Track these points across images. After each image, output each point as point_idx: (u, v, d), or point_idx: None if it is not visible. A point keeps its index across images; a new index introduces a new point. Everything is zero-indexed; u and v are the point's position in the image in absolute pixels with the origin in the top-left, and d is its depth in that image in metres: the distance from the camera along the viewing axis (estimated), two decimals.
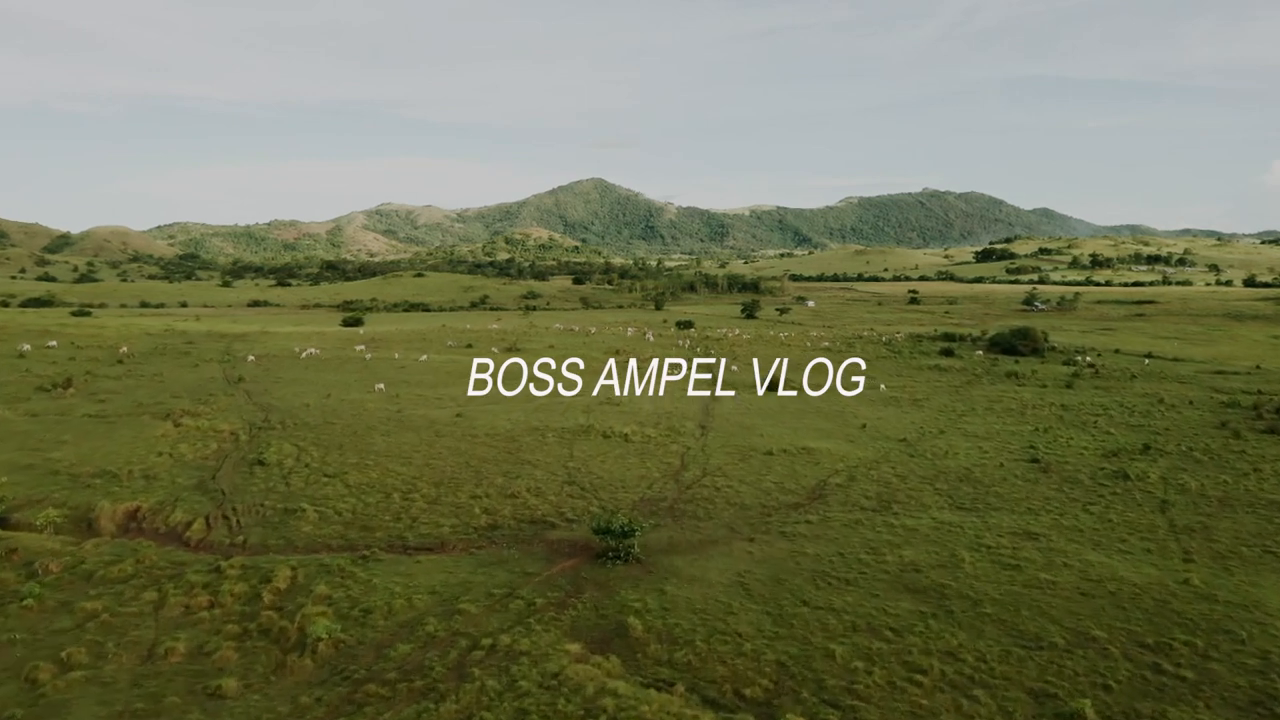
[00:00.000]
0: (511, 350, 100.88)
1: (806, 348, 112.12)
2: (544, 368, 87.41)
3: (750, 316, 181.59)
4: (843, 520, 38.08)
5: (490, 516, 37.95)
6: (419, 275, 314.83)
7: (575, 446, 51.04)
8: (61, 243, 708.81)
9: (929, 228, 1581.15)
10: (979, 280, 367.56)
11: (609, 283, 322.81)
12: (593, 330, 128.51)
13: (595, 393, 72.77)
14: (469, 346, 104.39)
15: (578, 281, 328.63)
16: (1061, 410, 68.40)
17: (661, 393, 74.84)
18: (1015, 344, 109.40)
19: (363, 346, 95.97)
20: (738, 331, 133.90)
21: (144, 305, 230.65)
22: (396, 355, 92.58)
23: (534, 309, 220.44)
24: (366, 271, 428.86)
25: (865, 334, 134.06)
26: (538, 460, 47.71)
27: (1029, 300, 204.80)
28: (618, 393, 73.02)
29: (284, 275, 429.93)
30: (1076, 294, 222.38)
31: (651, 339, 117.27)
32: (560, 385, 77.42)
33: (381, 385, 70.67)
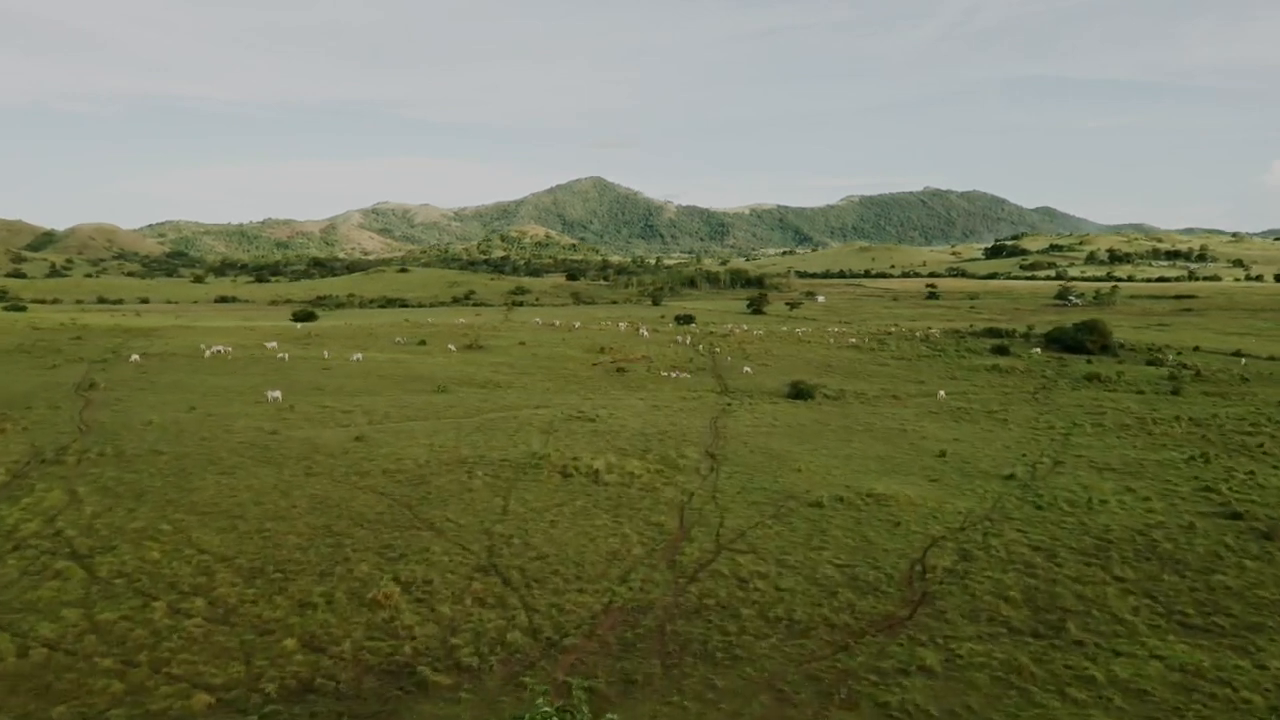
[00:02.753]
0: (472, 348, 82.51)
1: (830, 345, 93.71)
2: (502, 367, 69.20)
3: (757, 312, 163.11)
4: (987, 663, 19.85)
5: (309, 660, 19.71)
6: (403, 270, 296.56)
7: (515, 494, 32.69)
8: (45, 240, 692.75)
9: (931, 226, 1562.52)
10: (993, 276, 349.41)
11: (605, 279, 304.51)
12: (577, 325, 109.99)
13: (563, 402, 54.53)
14: (421, 344, 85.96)
15: (572, 278, 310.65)
16: (1196, 427, 50.10)
17: (654, 403, 56.51)
18: (1081, 340, 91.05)
19: (274, 344, 77.38)
20: (745, 328, 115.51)
21: (101, 301, 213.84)
22: (326, 354, 74.25)
23: (521, 304, 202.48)
24: (356, 269, 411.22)
25: (892, 329, 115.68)
26: (447, 521, 29.39)
27: (1062, 295, 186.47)
28: (591, 404, 54.69)
29: (269, 273, 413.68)
30: (1114, 288, 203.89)
31: (646, 335, 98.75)
32: (515, 393, 59.18)
33: (277, 394, 52.37)
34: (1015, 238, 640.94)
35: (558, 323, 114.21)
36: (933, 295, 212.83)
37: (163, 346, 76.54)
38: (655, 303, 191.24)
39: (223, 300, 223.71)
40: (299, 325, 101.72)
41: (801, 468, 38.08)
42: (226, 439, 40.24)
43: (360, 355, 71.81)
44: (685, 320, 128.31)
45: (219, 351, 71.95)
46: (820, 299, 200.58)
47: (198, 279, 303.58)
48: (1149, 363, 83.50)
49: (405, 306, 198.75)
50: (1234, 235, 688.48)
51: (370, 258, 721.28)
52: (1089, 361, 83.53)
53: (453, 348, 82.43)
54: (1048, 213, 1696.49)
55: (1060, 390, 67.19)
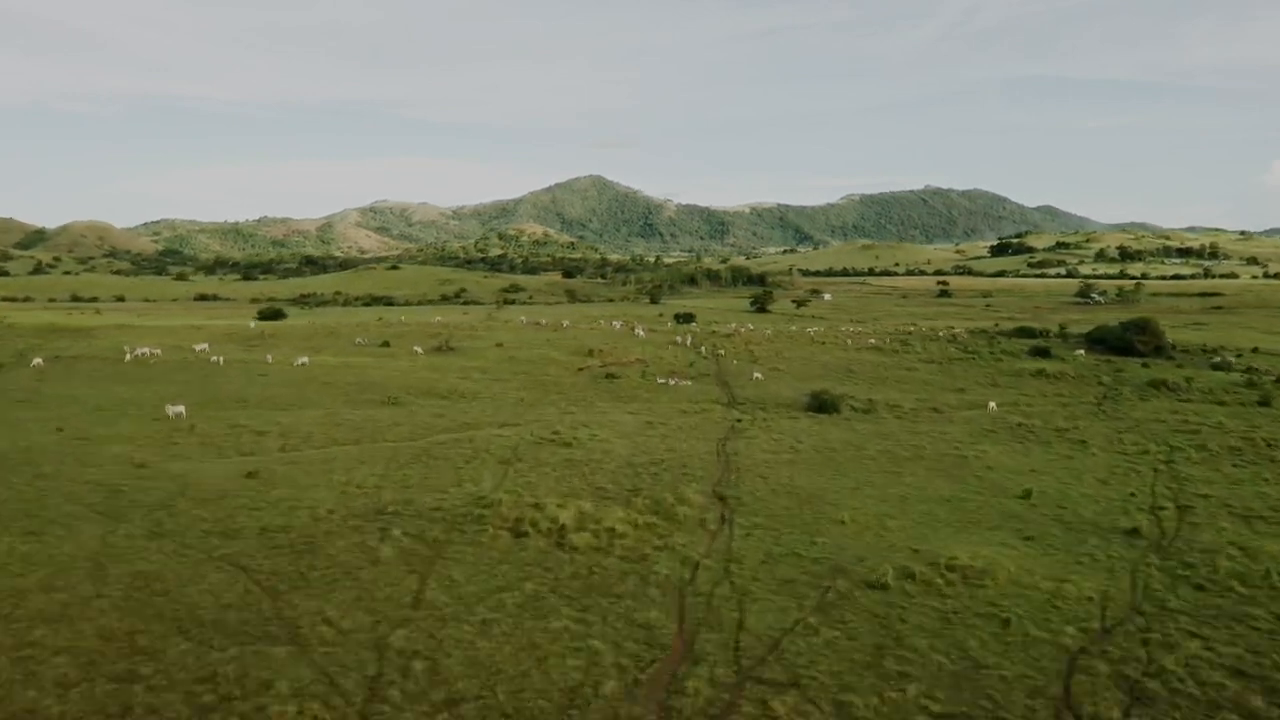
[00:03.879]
0: (441, 350, 72.28)
1: (847, 346, 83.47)
2: (472, 373, 59.11)
3: (762, 310, 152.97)
4: None
5: None
6: (393, 268, 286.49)
7: (438, 570, 22.45)
8: (36, 238, 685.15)
9: (932, 225, 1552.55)
10: (1001, 274, 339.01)
11: (602, 277, 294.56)
12: (566, 324, 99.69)
13: (536, 419, 44.36)
14: (384, 345, 75.71)
15: (568, 275, 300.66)
16: None
17: (648, 418, 46.33)
18: (1130, 341, 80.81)
19: (204, 346, 66.97)
20: (751, 327, 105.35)
21: (75, 299, 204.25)
22: (269, 358, 64.04)
23: (512, 302, 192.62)
24: (349, 267, 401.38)
25: (911, 329, 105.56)
26: (322, 623, 19.11)
27: (1083, 293, 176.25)
28: (570, 420, 44.50)
29: (260, 271, 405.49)
30: (1137, 284, 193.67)
31: (642, 334, 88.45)
32: (481, 406, 49.05)
33: (180, 408, 42.21)
34: (1019, 235, 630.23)
35: (544, 321, 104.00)
36: (944, 293, 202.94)
37: (82, 349, 66.35)
38: (654, 301, 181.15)
39: (202, 298, 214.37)
40: (253, 324, 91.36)
41: (845, 517, 27.92)
42: (75, 475, 30.11)
43: (306, 359, 61.56)
44: (685, 319, 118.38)
45: (142, 355, 61.77)
46: (827, 297, 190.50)
47: (181, 277, 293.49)
48: (1214, 366, 73.31)
49: (390, 305, 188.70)
50: (1241, 233, 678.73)
51: (366, 256, 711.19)
52: (1145, 365, 73.34)
53: (419, 350, 72.13)
54: (1049, 211, 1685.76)
55: (1127, 400, 57.05)
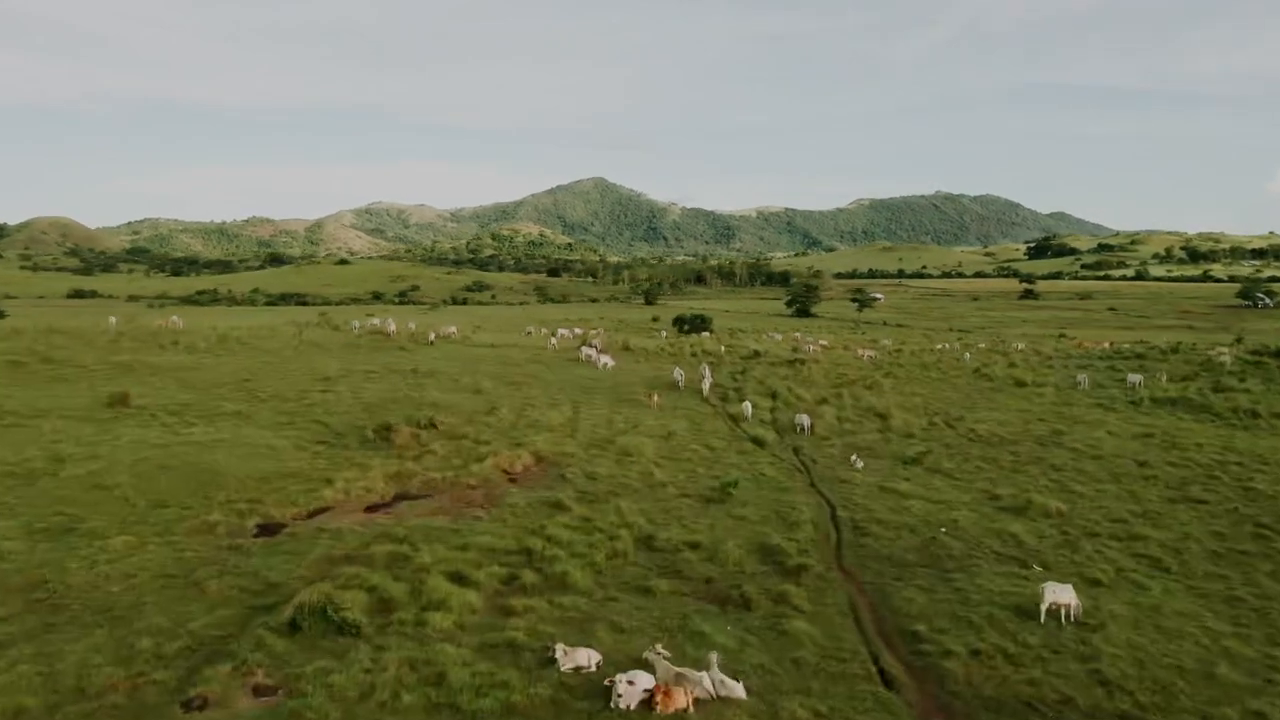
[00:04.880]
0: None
1: (1022, 384, 37.65)
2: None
3: (803, 314, 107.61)
4: None
5: None
6: (341, 263, 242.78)
7: None
8: None
9: (943, 230, 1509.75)
10: (1057, 276, 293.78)
11: (593, 276, 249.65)
12: (474, 330, 53.58)
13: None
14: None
15: (554, 274, 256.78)
16: None
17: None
18: None
19: None
20: (823, 342, 59.28)
21: None
22: None
23: (465, 302, 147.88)
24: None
25: (1061, 345, 59.74)
26: None
27: (1246, 294, 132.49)
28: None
29: (213, 269, 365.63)
30: None
31: (598, 359, 41.74)
32: None
33: None
34: (1048, 238, 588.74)
35: (453, 329, 57.47)
36: (1029, 294, 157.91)
37: None
38: (648, 301, 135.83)
39: (78, 295, 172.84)
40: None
41: None
42: None
43: None
44: (693, 326, 73.02)
45: None
46: (879, 298, 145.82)
47: (85, 269, 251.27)
48: None
49: (304, 304, 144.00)
50: None
51: (355, 257, 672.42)
52: None
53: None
54: (1062, 217, 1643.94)
55: None
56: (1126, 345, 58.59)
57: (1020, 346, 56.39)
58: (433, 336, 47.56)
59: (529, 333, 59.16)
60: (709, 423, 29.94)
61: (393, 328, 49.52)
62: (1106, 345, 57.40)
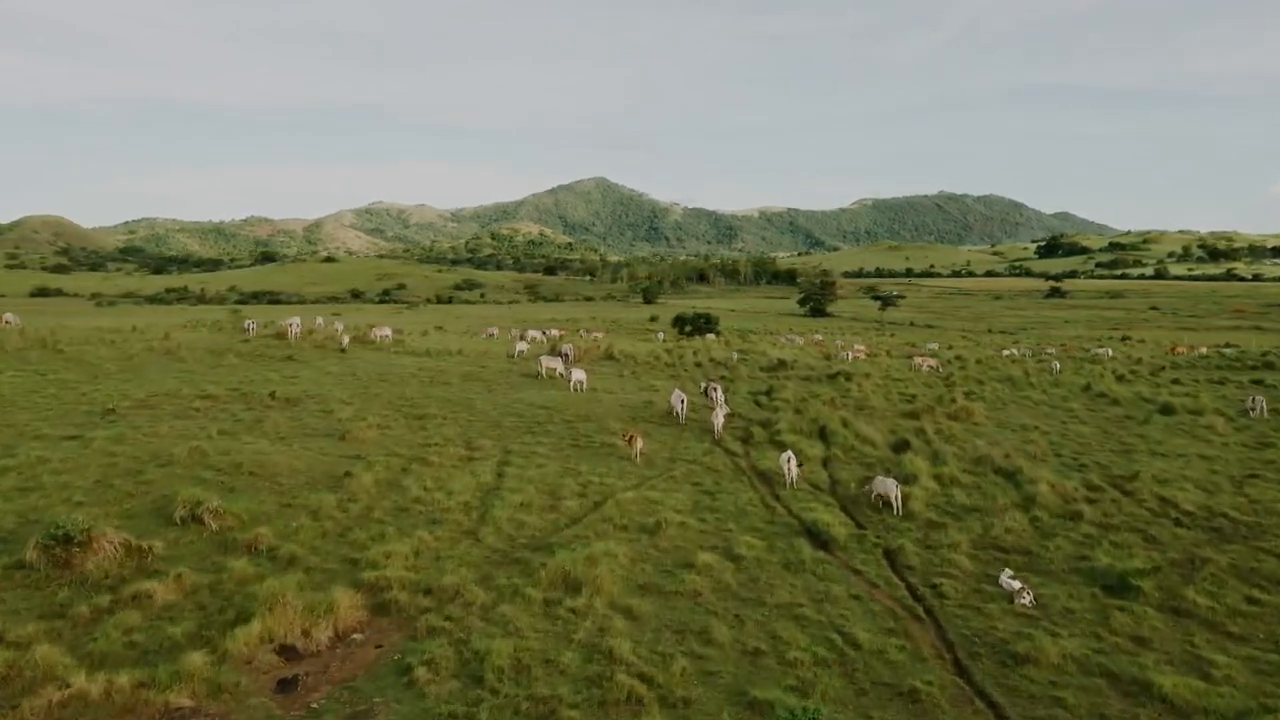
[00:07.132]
0: None
1: (1170, 411, 27.08)
2: None
3: (817, 313, 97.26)
4: None
5: None
6: (327, 260, 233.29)
7: None
8: None
9: (947, 231, 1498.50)
10: (1072, 275, 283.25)
11: (590, 274, 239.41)
12: (433, 330, 43.13)
13: None
14: None
15: (550, 272, 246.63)
16: None
17: None
18: None
19: None
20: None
21: None
22: None
23: (451, 301, 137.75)
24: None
25: (1168, 351, 49.30)
26: None
27: None
28: None
29: (209, 268, 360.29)
30: None
31: (579, 384, 31.06)
32: None
33: None
34: (1056, 237, 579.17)
35: (400, 330, 46.99)
36: (1057, 293, 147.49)
37: None
38: (647, 300, 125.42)
39: (41, 293, 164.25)
40: None
41: None
42: None
43: None
44: (696, 327, 62.53)
45: None
46: (902, 296, 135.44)
47: (59, 269, 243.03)
48: None
49: (277, 303, 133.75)
50: None
51: (350, 256, 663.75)
52: None
53: None
54: (1066, 217, 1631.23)
55: None
56: (1222, 350, 48.17)
57: (1109, 353, 45.74)
58: (345, 342, 36.76)
59: (491, 334, 48.49)
60: (726, 491, 17.71)
61: (296, 330, 38.96)
62: (1203, 350, 46.80)
